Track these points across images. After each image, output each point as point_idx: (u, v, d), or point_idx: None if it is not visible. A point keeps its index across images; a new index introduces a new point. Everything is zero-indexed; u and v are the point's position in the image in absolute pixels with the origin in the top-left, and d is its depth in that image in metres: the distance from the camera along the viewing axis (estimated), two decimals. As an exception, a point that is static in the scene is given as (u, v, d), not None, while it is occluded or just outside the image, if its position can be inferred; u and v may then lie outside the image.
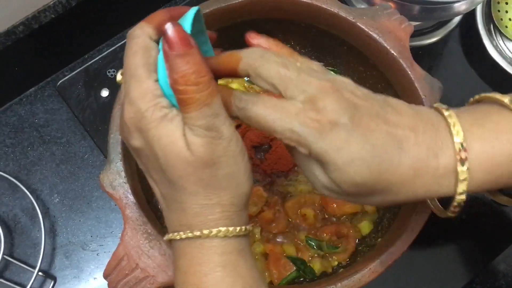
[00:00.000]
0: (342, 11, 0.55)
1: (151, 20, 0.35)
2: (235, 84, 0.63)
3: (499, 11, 0.72)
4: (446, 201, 0.38)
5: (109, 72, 0.69)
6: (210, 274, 0.34)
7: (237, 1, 0.55)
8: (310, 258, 0.57)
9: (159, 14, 0.35)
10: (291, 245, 0.57)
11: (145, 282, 0.45)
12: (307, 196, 0.59)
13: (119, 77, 0.37)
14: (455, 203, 0.36)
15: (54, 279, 0.63)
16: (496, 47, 0.70)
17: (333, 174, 0.34)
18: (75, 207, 0.65)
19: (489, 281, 0.64)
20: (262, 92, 0.53)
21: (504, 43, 0.72)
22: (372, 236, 0.58)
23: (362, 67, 0.61)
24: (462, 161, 0.34)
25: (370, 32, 0.54)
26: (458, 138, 0.34)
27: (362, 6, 0.67)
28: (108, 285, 0.46)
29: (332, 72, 0.54)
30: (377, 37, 0.54)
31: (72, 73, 0.69)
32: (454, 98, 0.69)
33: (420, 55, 0.72)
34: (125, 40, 0.70)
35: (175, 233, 0.36)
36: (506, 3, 0.72)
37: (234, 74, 0.37)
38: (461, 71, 0.72)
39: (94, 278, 0.63)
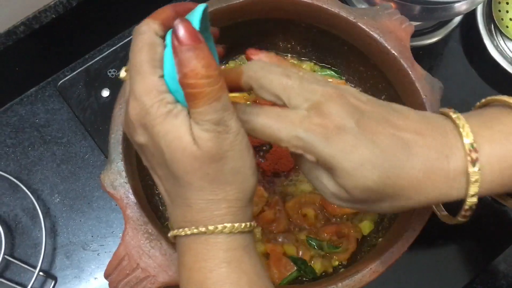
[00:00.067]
0: (342, 11, 0.55)
1: (157, 16, 0.35)
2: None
3: (499, 11, 0.72)
4: (453, 208, 0.38)
5: (109, 72, 0.69)
6: (215, 270, 0.34)
7: (237, 1, 0.55)
8: (311, 258, 0.57)
9: (165, 10, 0.35)
10: (292, 245, 0.57)
11: (146, 282, 0.45)
12: (308, 196, 0.59)
13: (123, 73, 0.37)
14: (466, 207, 0.36)
15: (54, 279, 0.63)
16: (496, 47, 0.70)
17: (342, 180, 0.34)
18: (75, 207, 0.65)
19: (489, 281, 0.64)
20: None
21: (504, 43, 0.72)
22: (373, 236, 0.58)
23: (363, 67, 0.61)
24: (473, 162, 0.34)
25: (371, 32, 0.54)
26: (468, 139, 0.34)
27: (363, 6, 0.67)
28: (109, 285, 0.46)
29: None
30: (378, 37, 0.54)
31: (73, 73, 0.69)
32: (455, 98, 0.70)
33: (421, 55, 0.72)
34: (125, 40, 0.71)
35: (180, 229, 0.36)
36: (507, 3, 0.72)
37: (237, 88, 0.37)
38: (461, 71, 0.72)
39: (95, 278, 0.63)
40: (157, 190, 0.57)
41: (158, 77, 0.33)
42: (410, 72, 0.53)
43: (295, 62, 0.65)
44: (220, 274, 0.34)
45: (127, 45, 0.70)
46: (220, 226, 0.34)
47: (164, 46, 0.34)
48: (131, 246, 0.46)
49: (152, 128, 0.33)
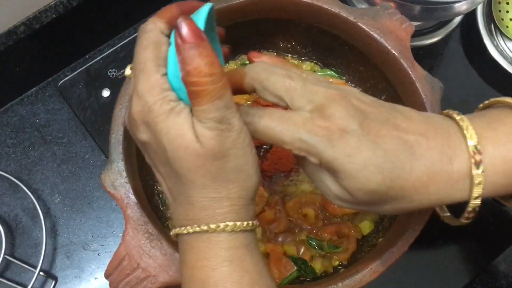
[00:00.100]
0: (343, 11, 0.55)
1: (163, 15, 0.35)
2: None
3: (500, 11, 0.72)
4: (456, 208, 0.38)
5: (110, 72, 0.69)
6: (217, 269, 0.34)
7: (238, 1, 0.55)
8: (311, 258, 0.57)
9: (171, 9, 0.35)
10: (292, 245, 0.57)
11: (146, 282, 0.45)
12: (308, 196, 0.59)
13: (128, 71, 0.37)
14: (469, 209, 0.36)
15: (55, 279, 0.63)
16: (497, 47, 0.70)
17: (345, 182, 0.34)
18: (76, 207, 0.65)
19: (489, 281, 0.64)
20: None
21: (505, 43, 0.72)
22: (373, 236, 0.58)
23: (363, 67, 0.61)
24: (477, 164, 0.34)
25: (371, 32, 0.54)
26: (471, 141, 0.34)
27: (363, 6, 0.67)
28: (110, 285, 0.46)
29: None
30: (378, 37, 0.54)
31: (73, 73, 0.69)
32: (455, 98, 0.70)
33: (421, 55, 0.72)
34: (126, 40, 0.71)
35: (182, 228, 0.36)
36: (507, 3, 0.72)
37: (240, 90, 0.37)
38: (462, 71, 0.72)
39: (95, 278, 0.63)
40: (157, 190, 0.57)
41: (161, 75, 0.33)
42: (410, 72, 0.53)
43: (296, 62, 0.65)
44: (222, 272, 0.34)
45: (128, 45, 0.70)
46: (222, 225, 0.34)
47: (169, 45, 0.34)
48: (131, 246, 0.46)
49: (154, 126, 0.33)
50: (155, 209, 0.55)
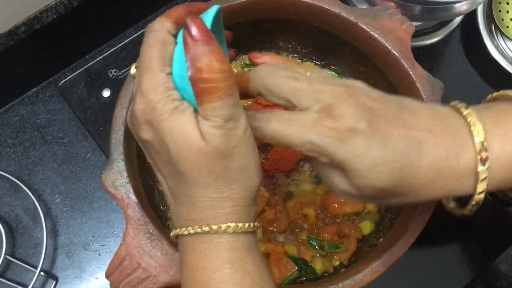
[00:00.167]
0: (343, 12, 0.55)
1: (170, 15, 0.35)
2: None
3: (500, 11, 0.72)
4: (461, 198, 0.38)
5: (110, 72, 0.69)
6: (218, 271, 0.34)
7: (238, 1, 0.55)
8: (311, 258, 0.57)
9: (178, 10, 0.35)
10: (293, 245, 0.57)
11: (147, 282, 0.45)
12: (309, 196, 0.59)
13: (133, 70, 0.37)
14: (473, 202, 0.36)
15: (55, 279, 0.63)
16: (497, 47, 0.70)
17: (354, 180, 0.34)
18: (76, 207, 0.65)
19: (490, 281, 0.64)
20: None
21: (505, 43, 0.72)
22: (373, 236, 0.58)
23: (364, 67, 0.61)
24: (483, 161, 0.34)
25: (372, 33, 0.54)
26: (478, 138, 0.34)
27: (364, 7, 0.67)
28: (110, 285, 0.46)
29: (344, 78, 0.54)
30: (379, 37, 0.54)
31: (74, 74, 0.69)
32: (455, 98, 0.68)
33: (421, 55, 0.72)
34: (126, 40, 0.71)
35: (183, 229, 0.35)
36: (507, 3, 0.72)
37: (245, 95, 0.37)
38: (462, 71, 0.72)
39: (96, 278, 0.63)
40: (158, 190, 0.58)
41: (165, 74, 0.33)
42: (411, 72, 0.53)
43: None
44: (224, 275, 0.34)
45: (128, 46, 0.70)
46: (224, 226, 0.34)
47: (175, 45, 0.34)
48: (132, 246, 0.46)
49: (158, 124, 0.33)
50: (156, 209, 0.55)
